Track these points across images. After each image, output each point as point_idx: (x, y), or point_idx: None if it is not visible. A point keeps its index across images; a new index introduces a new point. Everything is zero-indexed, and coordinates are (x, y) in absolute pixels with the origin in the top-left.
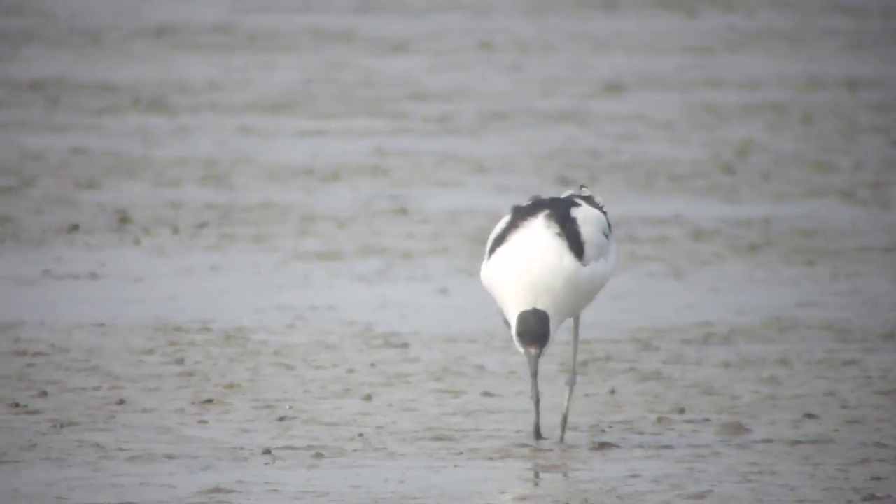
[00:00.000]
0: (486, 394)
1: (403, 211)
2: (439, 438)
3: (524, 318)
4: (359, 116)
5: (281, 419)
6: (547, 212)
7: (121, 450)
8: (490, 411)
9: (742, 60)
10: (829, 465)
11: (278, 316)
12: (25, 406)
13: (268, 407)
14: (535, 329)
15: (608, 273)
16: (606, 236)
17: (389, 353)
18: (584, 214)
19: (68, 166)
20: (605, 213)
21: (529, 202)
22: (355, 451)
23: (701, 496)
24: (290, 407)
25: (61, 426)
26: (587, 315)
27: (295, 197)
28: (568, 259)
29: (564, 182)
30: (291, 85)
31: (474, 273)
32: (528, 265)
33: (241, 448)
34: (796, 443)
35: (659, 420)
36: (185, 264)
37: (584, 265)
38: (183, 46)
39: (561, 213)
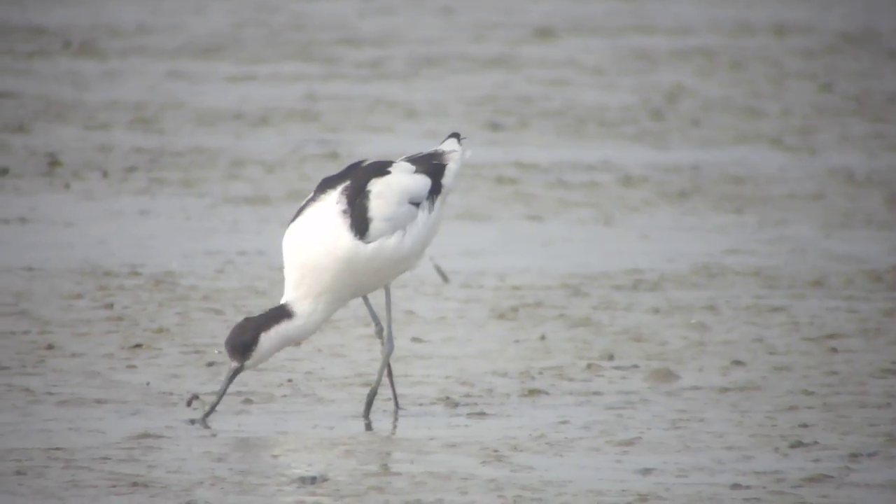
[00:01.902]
0: (416, 339)
1: (334, 156)
2: (368, 384)
3: (238, 324)
4: (289, 61)
5: (210, 364)
6: (344, 185)
7: (50, 394)
8: (419, 357)
9: (672, 6)
10: (756, 412)
11: (208, 261)
12: None
13: (197, 352)
14: (232, 338)
15: (406, 246)
16: (418, 205)
17: None
18: (383, 186)
19: None
20: (443, 169)
21: (346, 168)
22: (284, 396)
23: (630, 443)
24: (219, 352)
25: None
26: (518, 261)
27: (224, 141)
28: (346, 238)
29: (494, 128)
30: (221, 28)
31: None
32: (303, 244)
33: (171, 393)
34: (724, 390)
35: (588, 366)
36: (114, 208)
37: (367, 243)
38: None
39: (357, 186)
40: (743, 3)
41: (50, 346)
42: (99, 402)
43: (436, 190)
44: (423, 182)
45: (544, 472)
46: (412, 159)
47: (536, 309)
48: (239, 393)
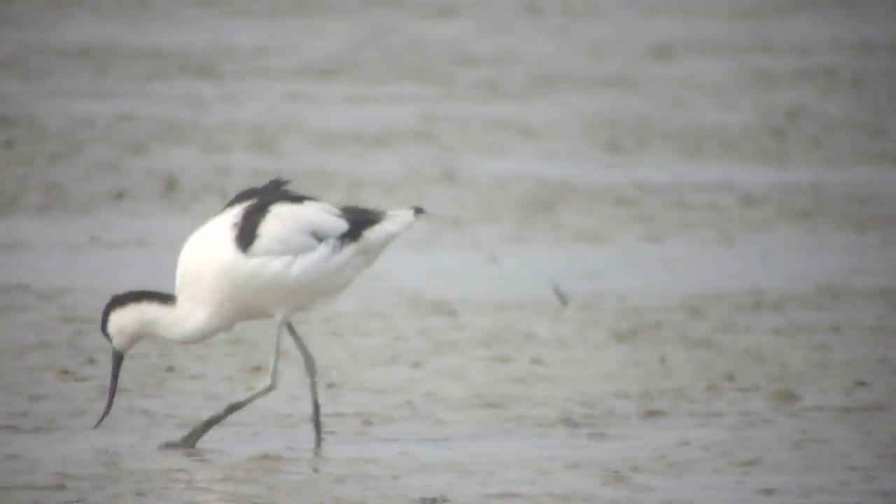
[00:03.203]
0: (535, 361)
1: (451, 177)
2: (488, 406)
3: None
4: (406, 82)
5: (329, 386)
6: (250, 203)
7: (170, 416)
8: (539, 378)
9: (792, 24)
10: (881, 432)
11: None
12: (74, 373)
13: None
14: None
15: (294, 273)
16: (320, 238)
17: (438, 321)
18: (284, 209)
19: (116, 132)
20: (369, 223)
21: (256, 188)
22: (403, 418)
23: (751, 463)
24: (338, 374)
25: None
26: (638, 282)
27: (342, 163)
28: (228, 249)
29: (613, 148)
30: (338, 50)
31: (523, 240)
32: (191, 251)
33: (290, 415)
34: (848, 410)
35: (709, 387)
36: None
37: (249, 257)
38: (230, 13)
39: (260, 205)
40: (864, 22)
41: (170, 369)
42: (220, 423)
43: (351, 236)
44: (334, 221)
45: (665, 492)
46: (347, 209)
47: (656, 330)
48: (358, 414)
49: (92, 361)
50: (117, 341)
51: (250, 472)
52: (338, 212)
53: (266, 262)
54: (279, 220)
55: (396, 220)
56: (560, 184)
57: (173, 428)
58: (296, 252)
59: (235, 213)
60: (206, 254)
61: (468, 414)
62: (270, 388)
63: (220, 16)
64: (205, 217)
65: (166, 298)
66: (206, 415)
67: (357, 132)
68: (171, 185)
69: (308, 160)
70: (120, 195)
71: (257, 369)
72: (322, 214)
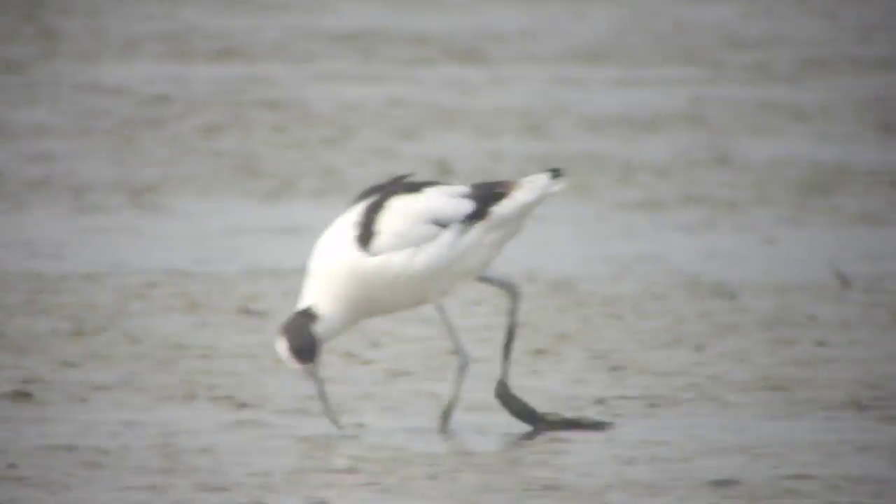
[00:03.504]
0: (819, 343)
1: (723, 160)
2: (774, 388)
3: (285, 330)
4: (673, 65)
5: (613, 369)
6: (371, 200)
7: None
8: (824, 360)
9: None
10: None
11: (604, 266)
12: (359, 356)
13: (598, 357)
14: (295, 342)
15: (418, 265)
16: (443, 225)
17: (718, 303)
18: (401, 202)
19: (386, 117)
20: (494, 198)
21: (384, 183)
22: (690, 400)
23: None
24: (621, 357)
25: (396, 376)
26: None
27: (612, 147)
28: (349, 249)
29: (887, 129)
30: (603, 35)
31: (800, 223)
32: (319, 253)
33: (576, 398)
34: None
35: None
36: None
37: (370, 255)
38: None
39: (379, 201)
40: None
41: (454, 352)
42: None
43: (478, 215)
44: (456, 204)
45: None
46: (477, 186)
47: None
48: (643, 397)
49: (377, 344)
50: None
51: (541, 455)
52: (465, 191)
53: (388, 259)
54: (396, 213)
55: (530, 187)
56: (835, 166)
57: (459, 411)
58: (417, 243)
59: (357, 212)
60: (333, 255)
61: (754, 396)
62: (465, 365)
63: (483, 0)
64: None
65: (311, 316)
66: (492, 398)
67: (626, 116)
68: (443, 170)
69: (578, 144)
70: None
71: (541, 352)
72: (441, 200)
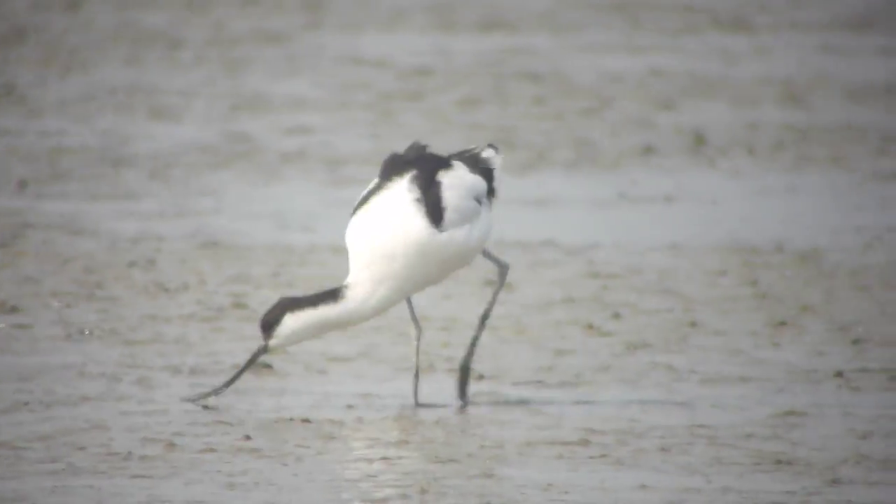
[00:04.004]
0: None
1: None
2: (831, 370)
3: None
4: None
5: (855, 342)
6: (413, 174)
7: (693, 371)
8: None
9: None
10: None
11: (855, 237)
12: (599, 328)
13: (842, 329)
14: (263, 314)
15: (473, 240)
16: (480, 201)
17: None
18: (453, 178)
19: (646, 87)
20: (491, 174)
21: (402, 155)
22: None
23: None
24: (863, 329)
25: (635, 348)
26: None
27: (873, 117)
28: (421, 223)
29: None
30: (872, 2)
31: None
32: (374, 230)
33: (815, 370)
34: None
35: None
36: (760, 185)
37: (441, 231)
38: None
39: (426, 176)
40: None
41: (693, 324)
42: (743, 379)
43: (490, 192)
44: (481, 182)
45: None
46: (461, 158)
47: None
48: (884, 370)
49: (617, 316)
50: (278, 342)
51: (774, 429)
52: (467, 167)
53: (453, 234)
54: (454, 190)
55: (496, 162)
56: None
57: (695, 384)
58: (470, 220)
59: (409, 188)
60: (398, 232)
61: None
62: (486, 315)
63: None
64: (733, 172)
65: (335, 294)
66: (729, 370)
67: (890, 85)
68: (698, 141)
69: (837, 115)
70: (648, 150)
71: (783, 324)
72: (473, 176)
